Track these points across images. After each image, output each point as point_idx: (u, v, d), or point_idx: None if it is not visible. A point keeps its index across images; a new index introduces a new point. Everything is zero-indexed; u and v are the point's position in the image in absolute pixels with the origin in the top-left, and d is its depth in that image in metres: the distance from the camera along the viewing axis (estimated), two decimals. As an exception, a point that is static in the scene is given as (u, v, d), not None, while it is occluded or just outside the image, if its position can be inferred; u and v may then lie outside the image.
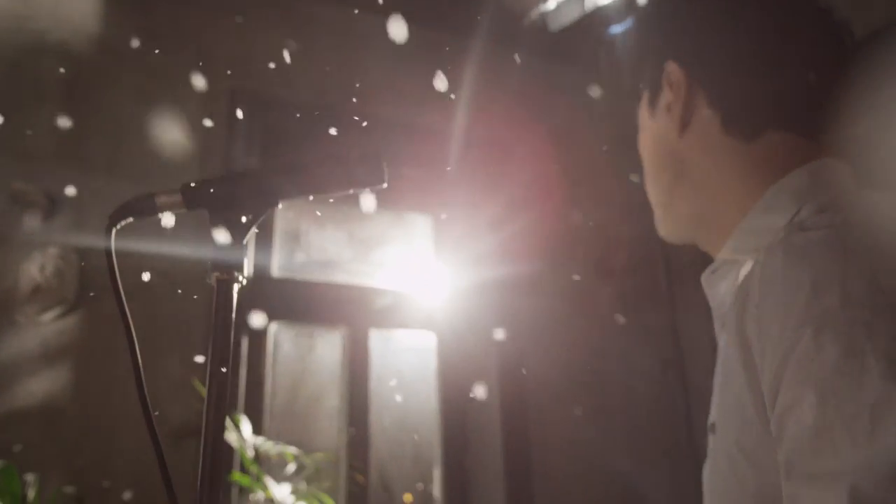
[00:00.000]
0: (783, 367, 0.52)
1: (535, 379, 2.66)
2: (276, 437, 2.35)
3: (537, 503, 2.55)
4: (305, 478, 2.27)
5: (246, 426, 2.15)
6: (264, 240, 2.54)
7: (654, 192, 0.81)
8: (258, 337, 2.44)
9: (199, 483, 0.60)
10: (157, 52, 2.35)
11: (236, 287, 0.65)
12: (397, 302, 2.77)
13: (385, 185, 0.66)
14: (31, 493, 1.30)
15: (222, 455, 0.61)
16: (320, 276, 2.72)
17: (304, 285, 2.67)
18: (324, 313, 2.68)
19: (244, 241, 0.65)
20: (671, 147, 0.75)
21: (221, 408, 0.61)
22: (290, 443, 2.30)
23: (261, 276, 2.49)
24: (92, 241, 2.14)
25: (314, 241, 2.75)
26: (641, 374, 2.54)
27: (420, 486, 2.75)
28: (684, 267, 2.49)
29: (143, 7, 2.44)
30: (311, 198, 0.66)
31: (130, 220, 0.66)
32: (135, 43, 2.37)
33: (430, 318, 2.79)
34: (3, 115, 2.14)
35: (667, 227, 0.81)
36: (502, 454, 2.58)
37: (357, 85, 2.61)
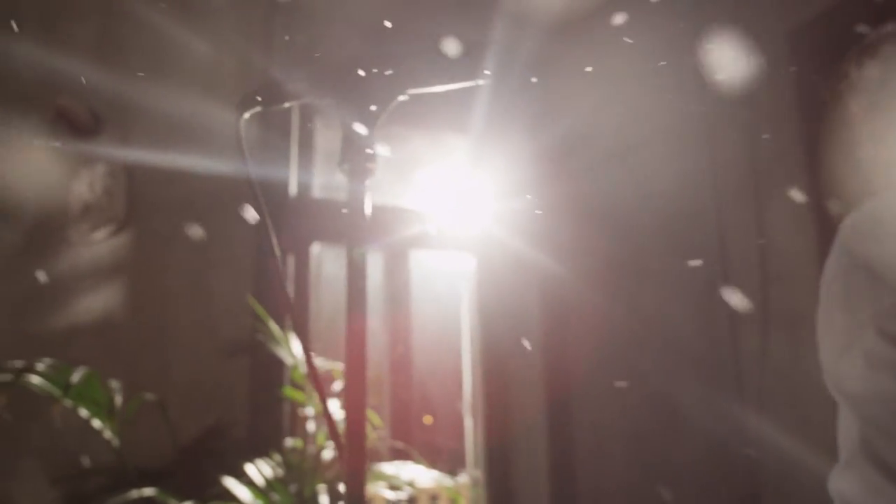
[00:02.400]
0: None
1: (575, 300, 2.66)
2: (322, 354, 2.39)
3: (576, 424, 2.61)
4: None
5: (296, 344, 2.18)
6: (305, 160, 2.51)
7: None
8: (302, 257, 2.45)
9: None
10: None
11: (369, 175, 0.64)
12: (436, 224, 2.76)
13: (509, 79, 0.63)
14: (118, 400, 1.34)
15: (364, 359, 0.60)
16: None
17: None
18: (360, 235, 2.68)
19: (373, 131, 0.63)
20: None
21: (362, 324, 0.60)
22: (334, 360, 2.35)
23: (303, 196, 2.48)
24: (139, 157, 2.14)
25: (354, 162, 2.72)
26: (685, 298, 2.53)
27: (458, 405, 2.81)
28: (731, 190, 2.45)
29: (177, -85, 2.35)
30: (438, 88, 0.63)
31: (258, 108, 0.64)
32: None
33: (470, 241, 2.79)
34: (44, 33, 2.10)
35: None
36: (542, 370, 2.62)
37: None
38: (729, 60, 2.40)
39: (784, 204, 2.24)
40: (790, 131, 2.28)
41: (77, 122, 2.06)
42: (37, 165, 2.03)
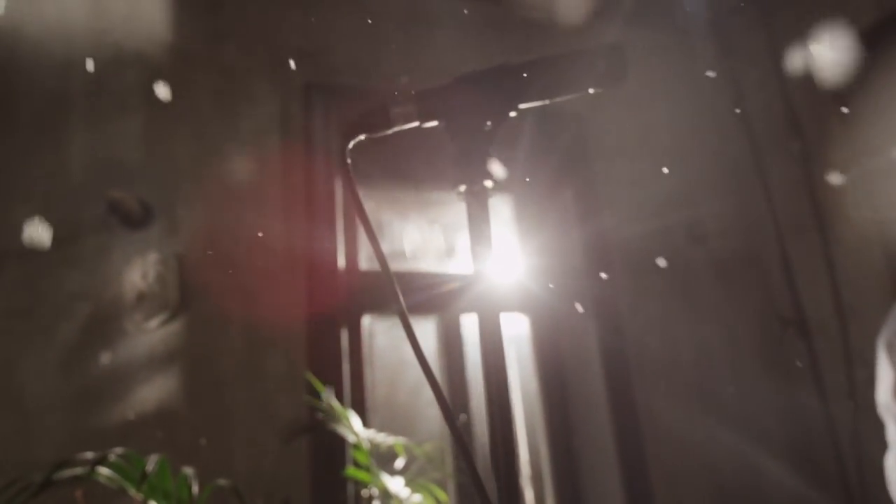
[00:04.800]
0: None
1: (636, 351, 2.56)
2: (380, 430, 2.29)
3: (654, 479, 2.45)
4: (415, 470, 2.21)
5: (356, 420, 2.10)
6: (351, 233, 2.50)
7: None
8: (354, 331, 2.40)
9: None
10: (229, 51, 2.33)
11: (489, 197, 0.59)
12: (485, 286, 2.70)
13: (625, 81, 0.59)
14: (195, 488, 1.27)
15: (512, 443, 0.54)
16: (407, 266, 2.67)
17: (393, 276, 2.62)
18: (414, 303, 2.63)
19: (489, 148, 0.58)
20: None
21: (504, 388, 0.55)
22: (393, 435, 2.25)
23: (350, 269, 2.45)
24: (188, 244, 2.13)
25: (397, 231, 2.70)
26: (750, 341, 2.42)
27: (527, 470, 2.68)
28: (796, 229, 2.36)
29: (212, 8, 2.43)
30: (547, 101, 0.59)
31: (363, 137, 0.60)
32: (207, 45, 2.36)
33: (521, 301, 2.72)
34: (92, 126, 2.14)
35: None
36: (612, 432, 2.49)
37: (426, 66, 2.57)
38: (767, 97, 2.37)
39: (851, 233, 2.15)
40: (841, 157, 2.22)
41: (128, 213, 2.07)
42: (91, 258, 2.02)
